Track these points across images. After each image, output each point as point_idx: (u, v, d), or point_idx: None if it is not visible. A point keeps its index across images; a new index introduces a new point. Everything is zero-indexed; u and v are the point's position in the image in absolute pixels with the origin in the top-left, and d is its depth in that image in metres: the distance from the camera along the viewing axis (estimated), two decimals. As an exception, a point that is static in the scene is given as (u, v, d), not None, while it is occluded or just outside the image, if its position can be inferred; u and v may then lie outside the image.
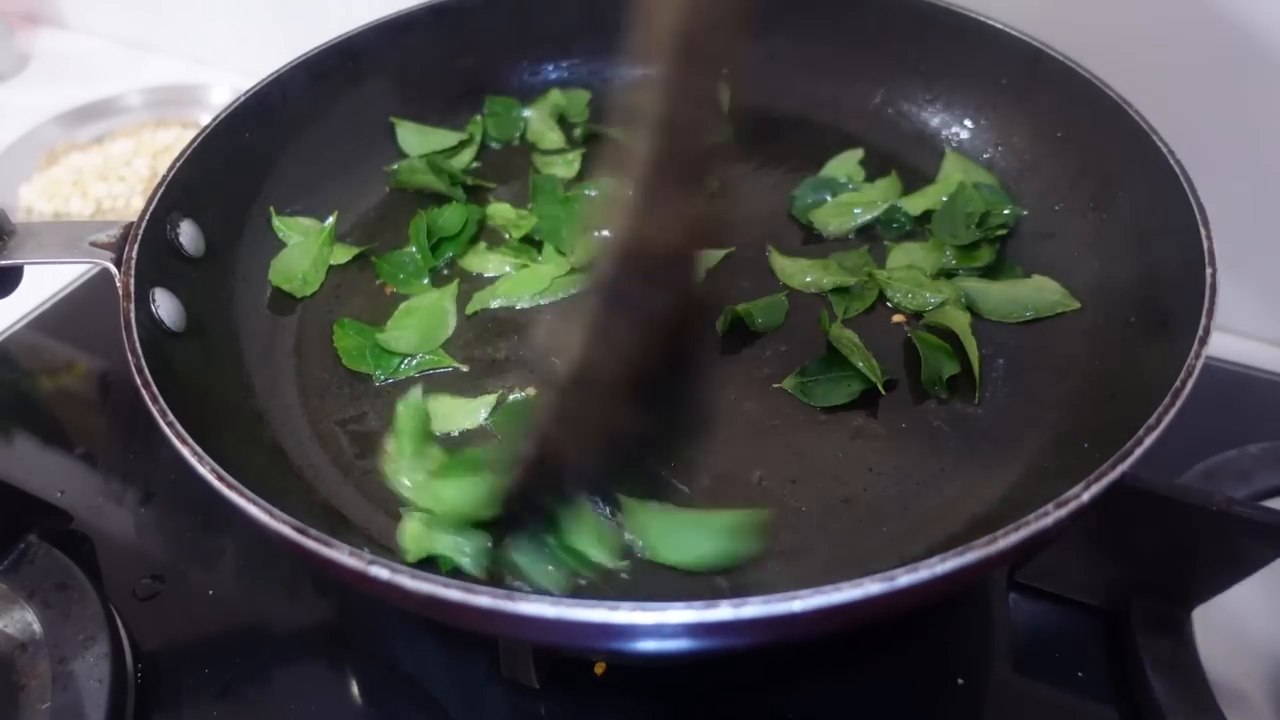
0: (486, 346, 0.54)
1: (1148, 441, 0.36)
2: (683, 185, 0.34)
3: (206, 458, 0.37)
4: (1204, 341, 0.40)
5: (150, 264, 0.48)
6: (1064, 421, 0.48)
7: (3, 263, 0.49)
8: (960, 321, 0.51)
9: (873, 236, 0.60)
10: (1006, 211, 0.58)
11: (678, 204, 0.34)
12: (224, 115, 0.57)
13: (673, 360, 0.38)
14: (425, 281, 0.58)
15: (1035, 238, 0.58)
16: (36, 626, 0.48)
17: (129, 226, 0.49)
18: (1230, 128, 0.63)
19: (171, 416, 0.39)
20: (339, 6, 0.70)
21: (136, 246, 0.47)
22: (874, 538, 0.44)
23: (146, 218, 0.49)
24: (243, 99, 0.58)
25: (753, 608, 0.30)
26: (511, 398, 0.51)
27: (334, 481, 0.48)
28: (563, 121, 0.69)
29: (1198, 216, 0.46)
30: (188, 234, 0.52)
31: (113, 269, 0.47)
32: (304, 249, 0.59)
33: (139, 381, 0.41)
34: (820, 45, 0.68)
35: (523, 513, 0.41)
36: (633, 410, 0.37)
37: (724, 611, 0.30)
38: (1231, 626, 0.50)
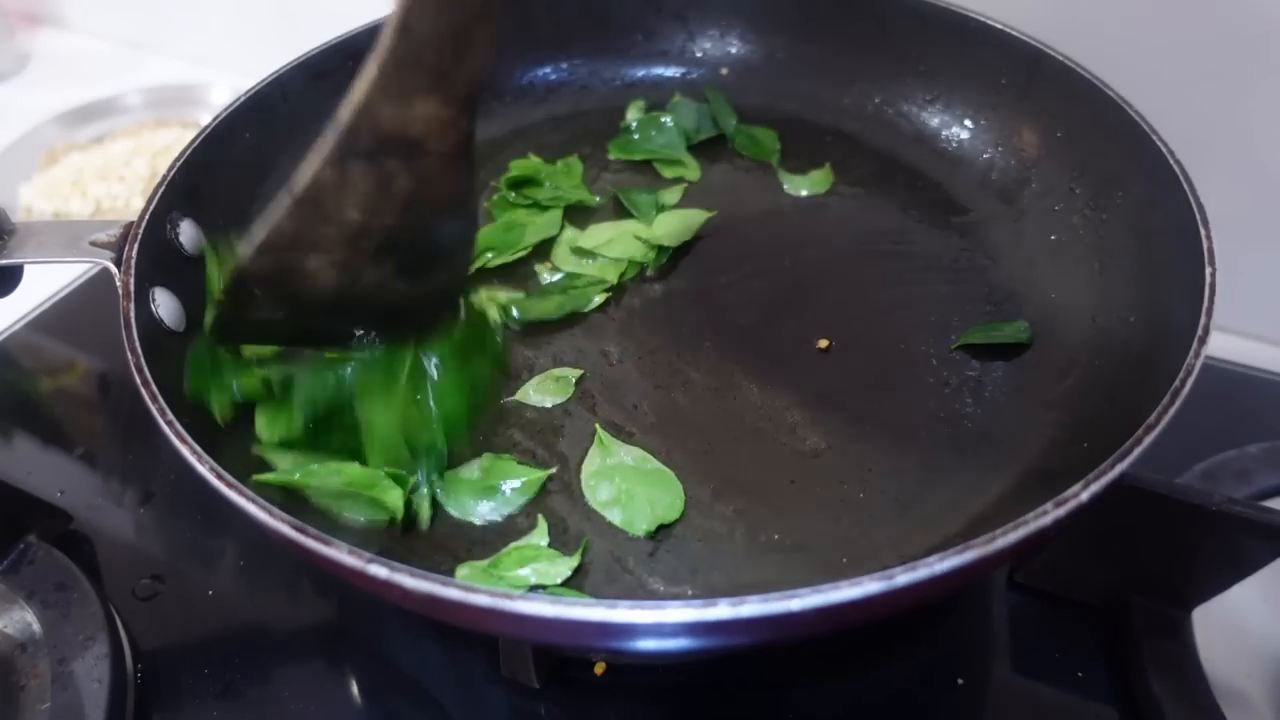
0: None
1: (1147, 441, 0.36)
2: (426, 84, 0.36)
3: (206, 457, 0.37)
4: (1204, 341, 0.40)
5: (150, 263, 0.48)
6: (1064, 421, 0.48)
7: (3, 262, 0.49)
8: None
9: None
10: None
11: (420, 99, 0.36)
12: (224, 115, 0.57)
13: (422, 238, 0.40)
14: None
15: (1035, 238, 0.58)
16: (36, 626, 0.48)
17: (129, 226, 0.49)
18: (1230, 128, 0.63)
19: (171, 416, 0.39)
20: (339, 6, 0.70)
21: (136, 246, 0.47)
22: (873, 537, 0.44)
23: (146, 217, 0.49)
24: (243, 99, 0.58)
25: (751, 606, 0.30)
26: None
27: (334, 481, 0.48)
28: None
29: (1198, 216, 0.46)
30: (188, 234, 0.52)
31: (113, 268, 0.47)
32: None
33: (139, 381, 0.41)
34: (820, 45, 0.69)
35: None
36: (374, 263, 0.39)
37: (722, 610, 0.30)
38: (1231, 626, 0.50)
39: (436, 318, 0.46)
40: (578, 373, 0.52)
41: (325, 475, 0.44)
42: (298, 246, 0.39)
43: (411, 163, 0.38)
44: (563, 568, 0.43)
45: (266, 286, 0.40)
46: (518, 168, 0.64)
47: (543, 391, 0.52)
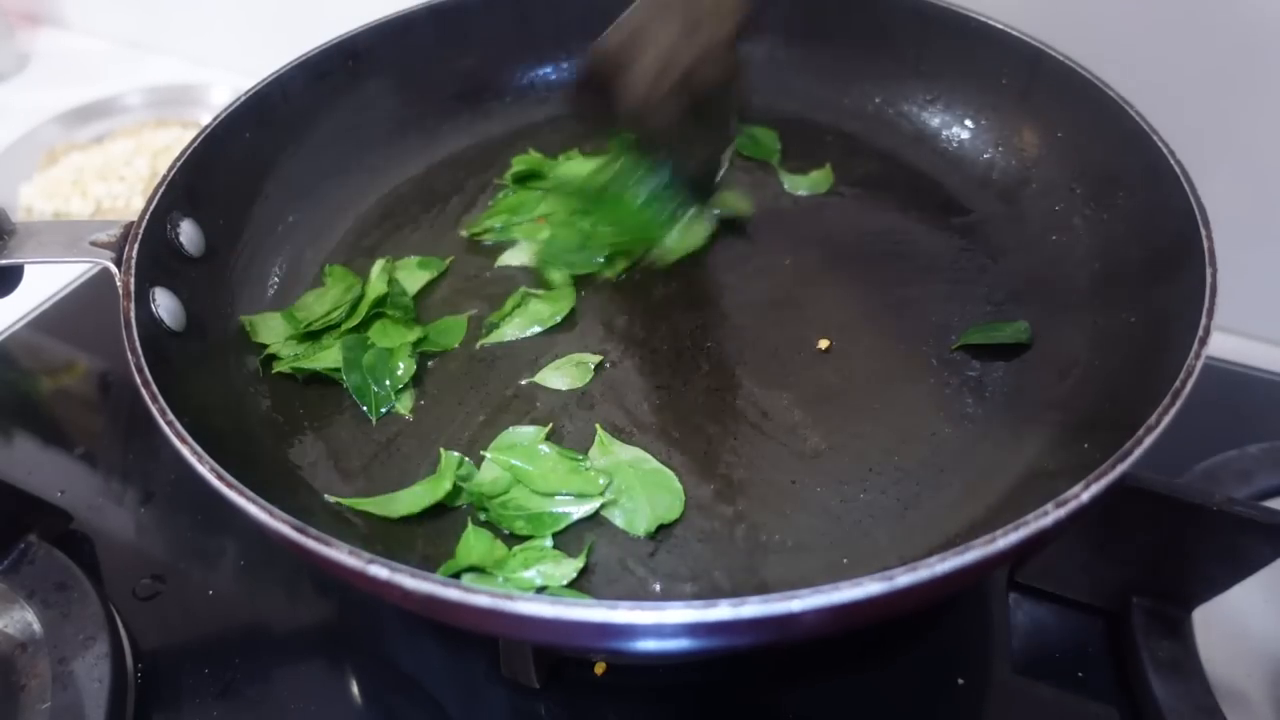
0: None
1: (1148, 441, 0.36)
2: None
3: (206, 457, 0.37)
4: (1204, 341, 0.40)
5: (150, 263, 0.48)
6: (1064, 421, 0.48)
7: (3, 262, 0.49)
8: None
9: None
10: None
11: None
12: (224, 115, 0.57)
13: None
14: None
15: (1035, 239, 0.58)
16: (36, 626, 0.48)
17: (129, 226, 0.49)
18: (1230, 128, 0.63)
19: (171, 416, 0.39)
20: (339, 6, 0.70)
21: (137, 246, 0.47)
22: (873, 537, 0.44)
23: (147, 217, 0.49)
24: (243, 99, 0.58)
25: (752, 607, 0.30)
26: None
27: (334, 480, 0.48)
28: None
29: (1198, 216, 0.46)
30: (188, 233, 0.52)
31: (113, 268, 0.47)
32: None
33: (139, 381, 0.41)
34: (820, 46, 0.69)
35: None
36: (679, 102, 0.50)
37: (723, 611, 0.30)
38: (1231, 626, 0.50)
39: (707, 164, 0.57)
40: (597, 359, 0.53)
41: (385, 504, 0.46)
42: (638, 38, 0.49)
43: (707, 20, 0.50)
44: (568, 569, 0.43)
45: (606, 75, 0.50)
46: (520, 163, 0.65)
47: (562, 375, 0.52)
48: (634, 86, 0.50)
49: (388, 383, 0.52)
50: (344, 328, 0.54)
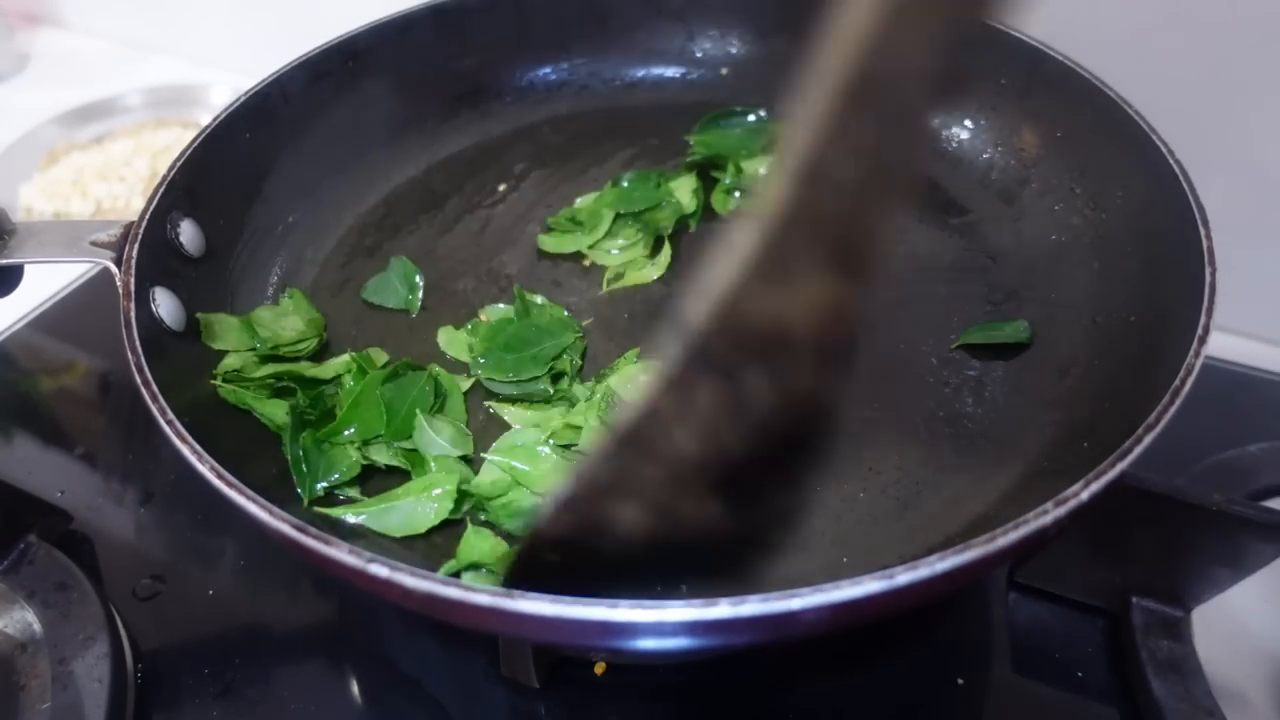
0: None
1: (1147, 440, 0.36)
2: (821, 258, 0.26)
3: (207, 457, 0.37)
4: (1203, 341, 0.40)
5: (151, 263, 0.48)
6: (1064, 421, 0.48)
7: (3, 262, 0.49)
8: None
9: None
10: None
11: (809, 280, 0.26)
12: (224, 115, 0.57)
13: (767, 462, 0.31)
14: None
15: (1035, 238, 0.58)
16: (36, 626, 0.48)
17: (129, 226, 0.49)
18: (1230, 128, 0.63)
19: (171, 416, 0.39)
20: (339, 6, 0.70)
21: (137, 246, 0.47)
22: (873, 537, 0.44)
23: (147, 217, 0.49)
24: (243, 99, 0.58)
25: (751, 606, 0.30)
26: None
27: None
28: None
29: (1197, 216, 0.46)
30: (188, 233, 0.52)
31: (113, 268, 0.47)
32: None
33: (139, 381, 0.41)
34: (820, 45, 0.69)
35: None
36: (699, 500, 0.30)
37: (723, 610, 0.30)
38: (1231, 626, 0.50)
39: (749, 557, 0.36)
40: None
41: (384, 520, 0.45)
42: (609, 495, 0.30)
43: (779, 368, 0.28)
44: None
45: (558, 547, 0.33)
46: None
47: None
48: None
49: (330, 478, 0.47)
50: (300, 371, 0.51)
